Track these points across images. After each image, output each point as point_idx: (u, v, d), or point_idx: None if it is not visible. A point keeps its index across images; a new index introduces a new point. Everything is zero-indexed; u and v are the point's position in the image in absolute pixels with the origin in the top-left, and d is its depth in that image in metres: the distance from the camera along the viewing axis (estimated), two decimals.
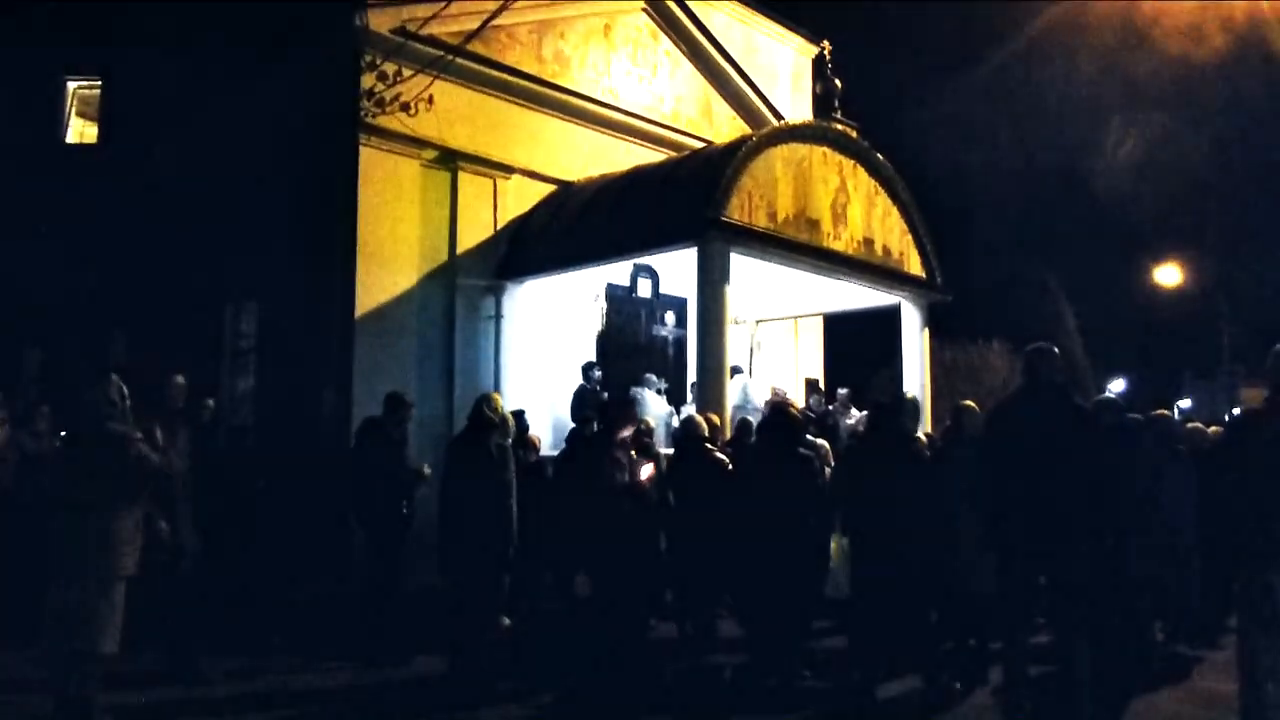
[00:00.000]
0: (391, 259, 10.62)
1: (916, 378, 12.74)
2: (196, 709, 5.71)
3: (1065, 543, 5.16)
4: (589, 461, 6.50)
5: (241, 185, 11.18)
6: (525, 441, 8.92)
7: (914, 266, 12.51)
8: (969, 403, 7.41)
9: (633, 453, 6.58)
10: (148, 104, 11.98)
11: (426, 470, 7.57)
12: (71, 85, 13.11)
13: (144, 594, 5.26)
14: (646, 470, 6.44)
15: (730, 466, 7.37)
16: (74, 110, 13.33)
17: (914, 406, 7.18)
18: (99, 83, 12.92)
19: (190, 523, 6.23)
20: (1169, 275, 26.48)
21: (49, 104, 12.98)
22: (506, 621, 7.55)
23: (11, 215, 11.47)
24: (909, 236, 12.40)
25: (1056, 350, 5.52)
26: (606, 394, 10.97)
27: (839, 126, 13.18)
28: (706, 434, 7.75)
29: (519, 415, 9.18)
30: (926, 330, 12.94)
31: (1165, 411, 9.02)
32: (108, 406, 5.25)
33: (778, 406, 6.86)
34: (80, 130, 13.33)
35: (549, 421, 11.09)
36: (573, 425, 9.20)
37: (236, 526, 6.89)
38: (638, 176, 11.58)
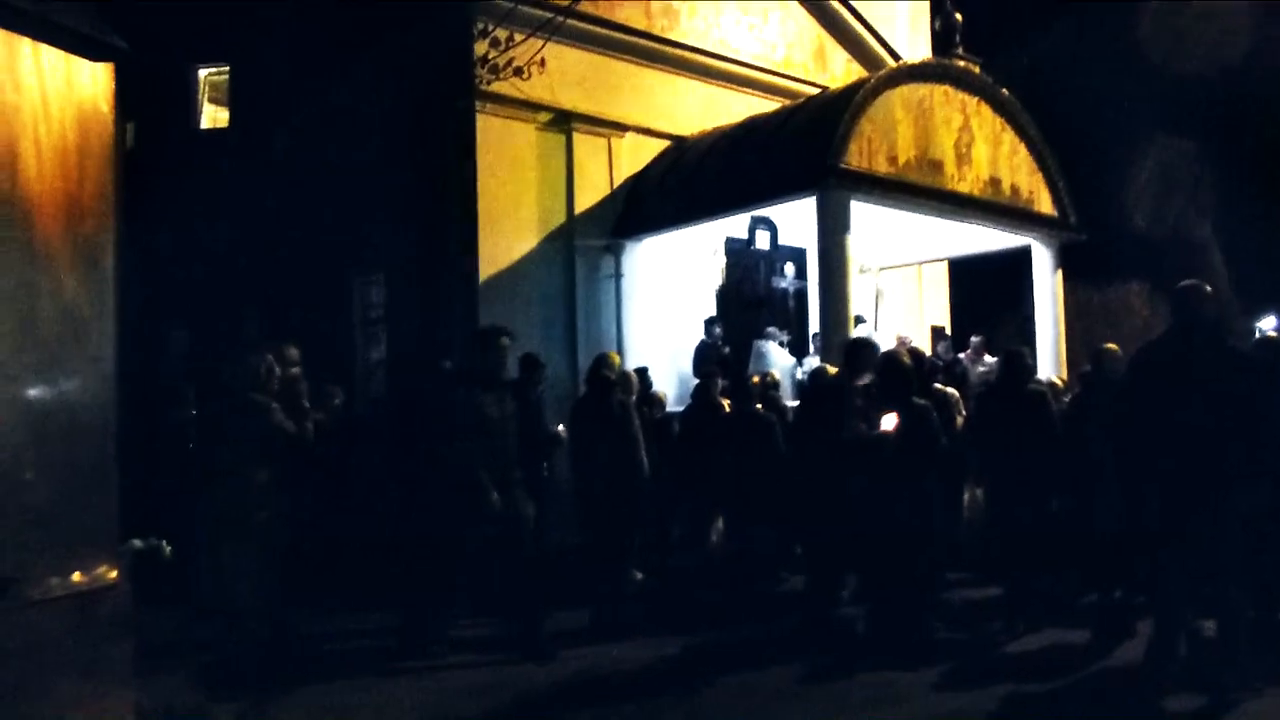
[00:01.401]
0: (511, 224, 10.76)
1: (1049, 322, 12.28)
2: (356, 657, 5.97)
3: (1219, 490, 4.90)
4: (829, 411, 6.32)
5: (364, 159, 11.49)
6: (650, 398, 9.00)
7: (1044, 205, 12.01)
8: (1111, 345, 7.11)
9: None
10: (273, 87, 12.41)
11: (561, 431, 7.65)
12: (202, 73, 13.66)
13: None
14: (890, 420, 6.16)
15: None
16: (206, 96, 13.91)
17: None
18: (227, 69, 13.43)
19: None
20: None
21: (183, 92, 13.57)
22: (639, 575, 7.68)
23: (154, 200, 12.08)
24: (1038, 174, 11.89)
25: (1209, 288, 5.21)
26: (728, 348, 10.95)
27: (960, 63, 12.69)
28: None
29: (642, 373, 9.25)
30: (1059, 272, 12.43)
31: None
32: (253, 379, 5.51)
33: (889, 356, 6.68)
34: (213, 115, 13.90)
35: (673, 378, 11.13)
36: (696, 381, 9.22)
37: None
38: (752, 127, 11.41)
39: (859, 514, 6.38)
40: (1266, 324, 10.15)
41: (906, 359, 6.72)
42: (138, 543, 5.99)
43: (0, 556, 1.86)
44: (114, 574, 2.06)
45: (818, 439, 6.25)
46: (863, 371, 6.41)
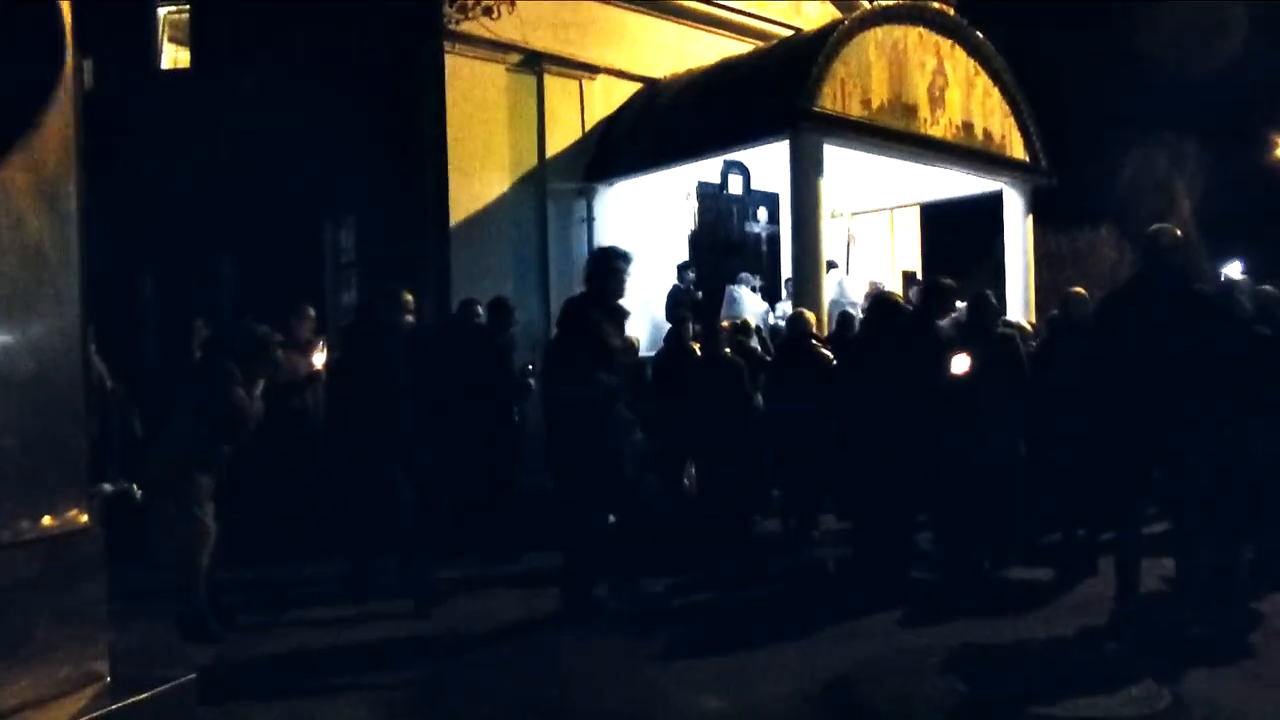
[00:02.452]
0: (481, 166, 10.64)
1: (1019, 267, 12.36)
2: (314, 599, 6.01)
3: (1183, 433, 5.00)
4: (902, 353, 6.18)
5: (331, 101, 11.28)
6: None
7: (1016, 150, 12.02)
8: (1078, 289, 7.18)
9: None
10: (235, 26, 12.10)
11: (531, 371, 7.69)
12: (162, 11, 13.31)
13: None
14: (963, 362, 6.10)
15: (834, 362, 7.31)
16: (166, 36, 13.56)
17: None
18: (187, 8, 13.09)
19: None
20: None
21: (142, 31, 13.22)
22: (612, 519, 7.74)
23: (115, 143, 11.83)
24: (1011, 119, 11.89)
25: (1178, 232, 5.25)
26: (700, 293, 10.94)
27: (935, 5, 12.58)
28: (814, 330, 7.70)
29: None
30: (1030, 217, 12.48)
31: None
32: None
33: (879, 297, 6.71)
34: (174, 56, 13.58)
35: (646, 322, 11.12)
36: (668, 326, 9.21)
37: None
38: (725, 70, 11.30)
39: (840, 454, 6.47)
40: (1233, 269, 10.26)
41: (898, 298, 6.76)
42: (108, 487, 5.98)
43: None
44: (85, 518, 2.05)
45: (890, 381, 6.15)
46: (944, 311, 6.40)
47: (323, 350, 7.33)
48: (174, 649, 4.95)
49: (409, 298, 6.36)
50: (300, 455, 7.05)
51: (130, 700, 2.03)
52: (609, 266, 5.87)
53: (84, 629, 2.06)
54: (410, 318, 6.39)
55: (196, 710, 2.21)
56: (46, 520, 1.96)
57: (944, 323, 6.65)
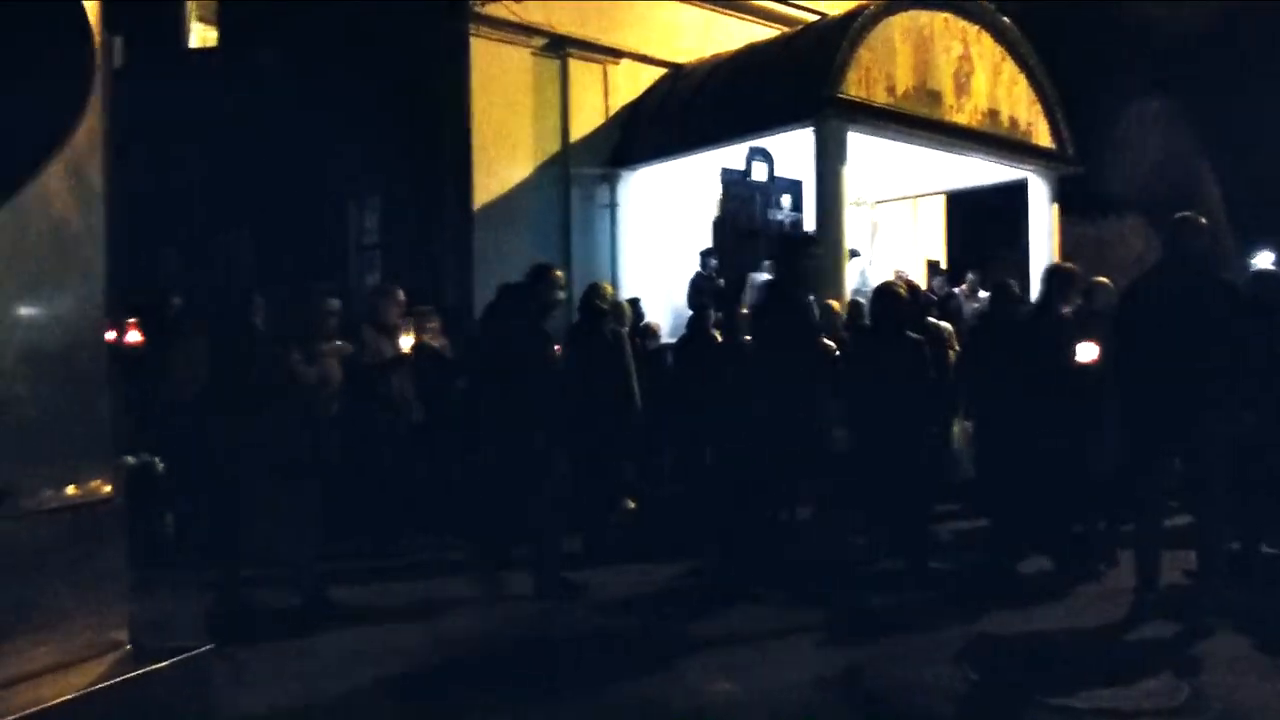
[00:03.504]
0: (505, 150, 10.66)
1: (1045, 256, 12.25)
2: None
3: (1205, 424, 4.95)
4: (1030, 341, 6.15)
5: (357, 82, 11.32)
6: (644, 329, 9.02)
7: (1042, 138, 11.92)
8: (1102, 278, 7.11)
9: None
10: (262, 7, 12.15)
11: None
12: None
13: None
14: (1091, 351, 5.96)
15: (836, 353, 7.21)
16: (194, 16, 13.64)
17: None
18: None
19: None
20: None
21: (171, 11, 13.30)
22: (630, 504, 7.76)
23: (143, 121, 11.92)
24: (1037, 105, 11.79)
25: (1204, 221, 5.19)
26: (722, 280, 10.92)
27: None
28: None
29: (634, 303, 9.24)
30: (1055, 205, 12.38)
31: None
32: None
33: (882, 289, 6.63)
34: (202, 35, 13.65)
35: (667, 309, 11.12)
36: (690, 312, 9.21)
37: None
38: (750, 55, 11.26)
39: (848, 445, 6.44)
40: (1261, 259, 10.14)
41: (902, 291, 6.67)
42: (131, 459, 6.04)
43: None
44: (108, 488, 2.08)
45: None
46: (1068, 299, 6.34)
47: (410, 333, 7.04)
48: (195, 619, 5.00)
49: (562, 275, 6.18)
50: (386, 439, 6.88)
51: (149, 668, 2.06)
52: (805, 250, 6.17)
53: (105, 597, 2.10)
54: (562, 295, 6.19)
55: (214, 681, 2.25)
56: (70, 490, 2.00)
57: (970, 313, 6.58)
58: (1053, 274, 6.60)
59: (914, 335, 6.39)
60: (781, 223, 12.57)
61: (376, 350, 6.86)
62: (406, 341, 7.00)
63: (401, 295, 7.24)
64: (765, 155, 12.13)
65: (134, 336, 7.85)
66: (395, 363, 6.96)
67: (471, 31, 10.35)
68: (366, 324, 6.98)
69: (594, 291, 7.12)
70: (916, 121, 10.44)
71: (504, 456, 5.86)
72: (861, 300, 8.71)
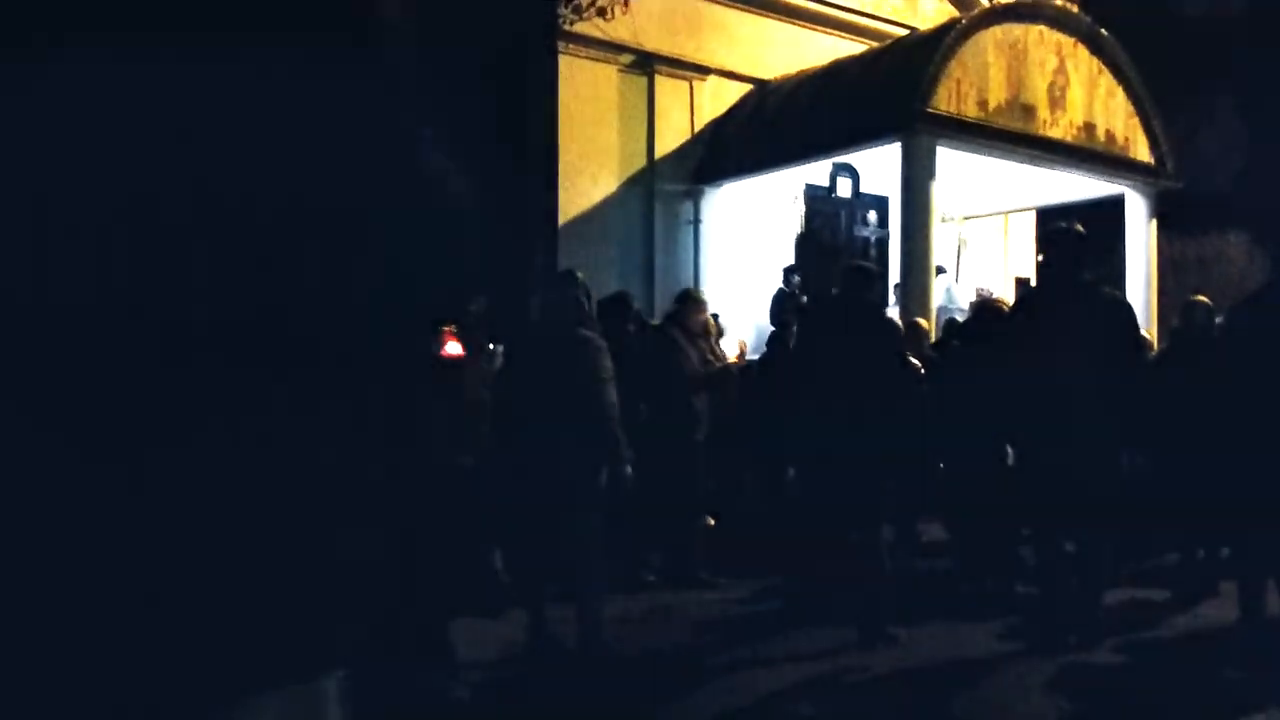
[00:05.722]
0: (591, 166, 10.77)
1: (1142, 275, 11.90)
2: None
3: None
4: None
5: (448, 100, 11.54)
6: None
7: (1141, 152, 11.58)
8: (1200, 297, 6.87)
9: None
10: None
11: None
12: None
13: None
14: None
15: (922, 372, 7.07)
16: None
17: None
18: None
19: None
20: None
21: None
22: (711, 521, 7.73)
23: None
24: (1135, 119, 11.46)
25: None
26: (805, 297, 10.82)
27: (1057, 2, 12.21)
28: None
29: (714, 319, 9.22)
30: (1154, 222, 12.01)
31: None
32: (575, 310, 4.88)
33: (981, 304, 6.51)
34: None
35: (750, 326, 11.08)
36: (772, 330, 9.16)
37: None
38: (837, 70, 11.18)
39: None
40: None
41: (1002, 306, 6.50)
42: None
43: None
44: None
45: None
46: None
47: (721, 340, 6.52)
48: None
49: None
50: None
51: None
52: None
53: None
54: None
55: None
56: None
57: None
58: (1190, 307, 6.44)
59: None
60: (867, 239, 12.44)
61: (708, 359, 6.42)
62: (729, 350, 6.55)
63: (708, 303, 6.78)
64: (851, 171, 12.02)
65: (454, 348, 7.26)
66: (724, 373, 6.58)
67: (560, 49, 10.50)
68: (676, 329, 6.53)
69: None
70: (1008, 136, 10.25)
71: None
72: (956, 319, 8.57)
